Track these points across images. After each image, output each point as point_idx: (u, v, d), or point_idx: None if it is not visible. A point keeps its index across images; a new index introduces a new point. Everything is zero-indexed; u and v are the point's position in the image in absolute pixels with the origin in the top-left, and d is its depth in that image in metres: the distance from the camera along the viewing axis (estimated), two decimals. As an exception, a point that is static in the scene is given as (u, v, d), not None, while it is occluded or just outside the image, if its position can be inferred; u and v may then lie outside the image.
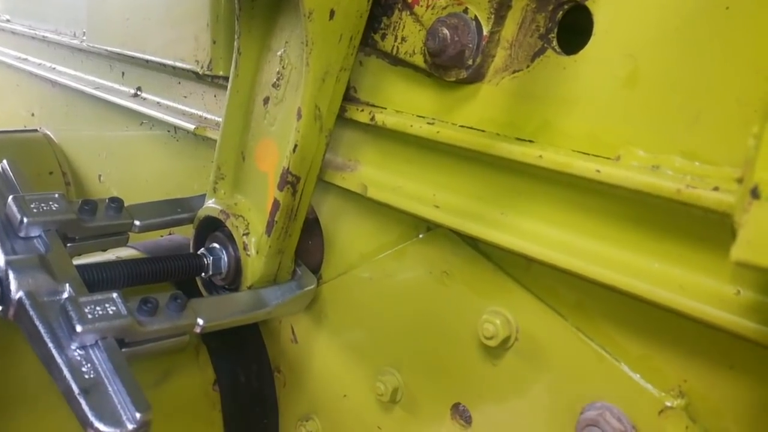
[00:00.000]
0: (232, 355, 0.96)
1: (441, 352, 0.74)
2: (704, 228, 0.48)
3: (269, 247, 0.80)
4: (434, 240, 0.73)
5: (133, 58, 1.10)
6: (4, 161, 0.80)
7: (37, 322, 0.61)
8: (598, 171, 0.52)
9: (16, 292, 0.63)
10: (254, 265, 0.81)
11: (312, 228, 0.88)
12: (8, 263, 0.65)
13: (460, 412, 0.74)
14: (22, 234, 0.71)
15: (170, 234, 1.14)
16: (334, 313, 0.89)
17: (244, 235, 0.82)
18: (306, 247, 0.88)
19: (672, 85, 0.50)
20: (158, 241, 1.08)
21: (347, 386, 0.88)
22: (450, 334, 0.73)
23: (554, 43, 0.58)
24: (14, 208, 0.71)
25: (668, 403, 0.53)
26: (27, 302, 0.62)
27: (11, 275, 0.64)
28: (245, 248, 0.81)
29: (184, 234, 1.09)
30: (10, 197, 0.72)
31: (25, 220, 0.70)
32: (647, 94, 0.51)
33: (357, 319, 0.86)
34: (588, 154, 0.54)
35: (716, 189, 0.46)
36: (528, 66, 0.60)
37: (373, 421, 0.84)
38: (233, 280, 0.83)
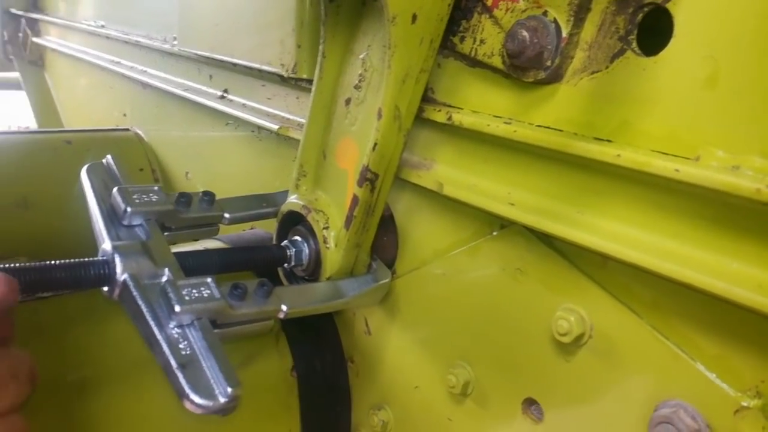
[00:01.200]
0: (309, 343, 1.01)
1: (513, 347, 0.76)
2: (785, 228, 0.48)
3: (347, 241, 0.84)
4: (508, 237, 0.74)
5: (221, 61, 1.17)
6: (108, 156, 0.87)
7: (140, 302, 0.67)
8: (677, 170, 0.53)
9: (121, 275, 0.69)
10: (333, 258, 0.85)
11: (387, 224, 0.91)
12: (115, 248, 0.71)
13: (532, 408, 0.76)
14: (125, 222, 0.77)
15: (252, 228, 1.20)
16: (407, 307, 0.92)
17: (324, 228, 0.86)
18: (381, 242, 0.91)
19: (752, 86, 0.50)
20: (241, 234, 1.14)
21: (419, 378, 0.91)
22: (522, 330, 0.74)
23: (634, 44, 0.59)
24: (119, 199, 0.77)
25: (744, 403, 0.53)
26: (131, 284, 0.68)
27: (117, 259, 0.70)
28: (325, 241, 0.86)
29: (265, 228, 1.15)
30: (115, 189, 0.79)
31: (128, 209, 0.76)
32: (727, 95, 0.52)
33: (429, 313, 0.88)
34: (667, 154, 0.55)
35: (799, 189, 0.46)
36: (607, 67, 0.61)
37: (444, 413, 0.87)
38: (313, 271, 0.88)
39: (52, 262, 0.68)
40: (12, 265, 0.67)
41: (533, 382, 0.74)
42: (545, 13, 0.64)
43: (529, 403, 0.76)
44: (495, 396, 0.79)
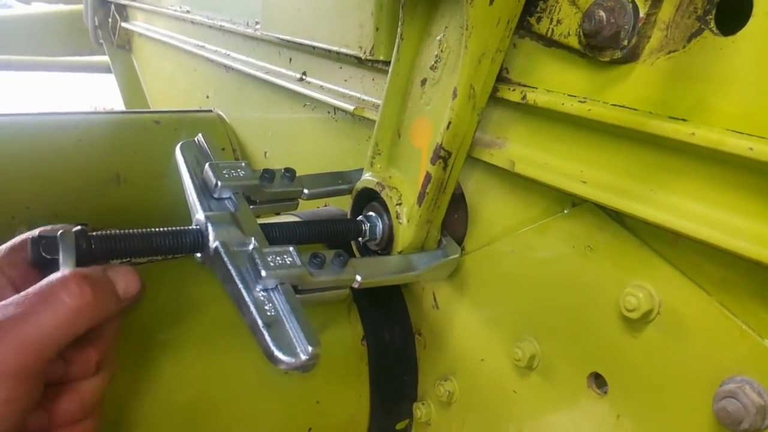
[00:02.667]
0: (379, 315, 1.06)
1: (580, 322, 0.78)
2: None
3: (419, 217, 0.87)
4: (579, 215, 0.76)
5: (301, 45, 1.22)
6: (199, 134, 0.94)
7: (230, 267, 0.73)
8: (751, 149, 0.53)
9: (213, 242, 0.75)
10: (405, 233, 0.89)
11: (458, 202, 0.94)
12: (207, 218, 0.77)
13: (597, 382, 0.77)
14: (215, 195, 0.83)
15: (326, 205, 1.25)
16: (475, 283, 0.94)
17: (397, 205, 0.89)
18: (451, 220, 0.94)
19: (835, 64, 0.50)
20: (316, 211, 1.19)
21: (485, 351, 0.94)
22: (590, 307, 0.76)
23: (712, 24, 0.59)
24: (210, 173, 0.84)
25: (813, 380, 0.54)
26: (222, 250, 0.74)
27: (209, 228, 0.76)
28: (398, 217, 0.89)
29: (338, 206, 1.20)
30: (207, 164, 0.85)
31: (219, 183, 0.82)
32: (807, 74, 0.52)
33: (497, 289, 0.91)
34: (742, 133, 0.56)
35: None
36: (684, 47, 0.61)
37: (509, 386, 0.90)
38: (386, 245, 0.92)
39: (154, 229, 0.75)
40: (119, 231, 0.74)
41: (599, 357, 0.76)
42: (622, -6, 0.64)
43: (595, 378, 0.77)
44: (560, 370, 0.82)
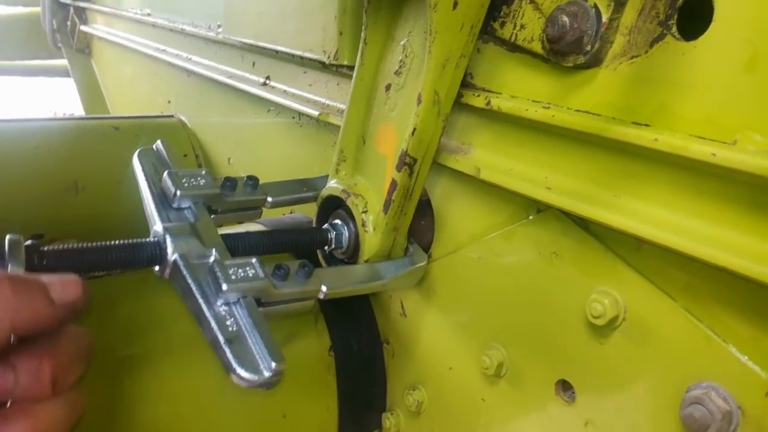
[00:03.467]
0: (346, 324, 1.04)
1: (547, 329, 0.77)
2: (824, 212, 0.49)
3: (385, 224, 0.86)
4: (544, 221, 0.75)
5: (264, 48, 1.19)
6: (158, 141, 0.91)
7: (190, 281, 0.70)
8: (714, 154, 0.53)
9: (172, 254, 0.72)
10: (371, 241, 0.87)
11: (424, 209, 0.93)
12: (166, 229, 0.75)
13: (565, 389, 0.77)
14: (175, 205, 0.80)
15: (291, 212, 1.23)
16: (442, 290, 0.93)
17: (362, 212, 0.88)
18: (418, 226, 0.93)
19: (794, 70, 0.50)
20: (281, 218, 1.17)
21: (453, 359, 0.93)
22: (557, 313, 0.75)
23: (674, 29, 0.59)
24: (169, 182, 0.81)
25: (778, 385, 0.54)
26: (181, 263, 0.71)
27: (168, 240, 0.74)
28: (363, 225, 0.88)
29: (304, 213, 1.18)
30: (165, 173, 0.82)
31: (178, 192, 0.80)
32: (766, 79, 0.52)
33: (464, 296, 0.90)
34: (704, 138, 0.56)
35: (838, 173, 0.46)
36: (647, 51, 0.61)
37: (478, 394, 0.89)
38: (352, 254, 0.90)
39: (109, 242, 0.72)
40: (73, 245, 0.71)
41: (566, 365, 0.75)
42: (585, -1, 0.64)
43: (562, 385, 0.77)
44: (528, 377, 0.81)
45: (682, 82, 0.58)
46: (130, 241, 0.73)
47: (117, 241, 0.72)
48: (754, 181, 0.51)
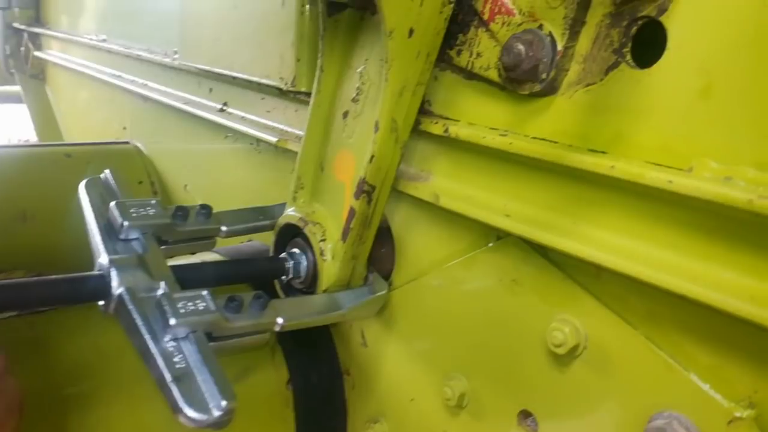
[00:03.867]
0: (304, 356, 1.01)
1: (508, 359, 0.76)
2: (778, 239, 0.48)
3: (344, 253, 0.84)
4: (504, 249, 0.74)
5: (221, 75, 1.17)
6: (106, 171, 0.88)
7: (135, 316, 0.67)
8: (671, 182, 0.53)
9: (117, 288, 0.69)
10: (329, 270, 0.85)
11: (384, 236, 0.91)
12: (111, 262, 0.71)
13: (527, 419, 0.75)
14: (122, 236, 0.77)
15: (250, 240, 1.20)
16: (403, 319, 0.91)
17: (320, 241, 0.86)
18: (378, 254, 0.91)
19: (745, 98, 0.50)
20: (239, 247, 1.14)
21: (415, 390, 0.90)
22: (518, 342, 0.74)
23: (628, 57, 0.59)
24: (116, 213, 0.78)
25: (738, 414, 0.53)
26: (126, 297, 0.68)
27: (113, 273, 0.70)
28: (321, 254, 0.86)
29: (263, 241, 1.15)
30: (112, 203, 0.79)
31: (125, 223, 0.77)
32: (720, 107, 0.52)
33: (426, 324, 0.88)
34: (660, 165, 0.55)
35: (791, 200, 0.46)
36: (601, 79, 0.61)
37: (440, 426, 0.86)
38: (311, 284, 0.88)
39: (50, 277, 0.68)
40: (11, 281, 0.67)
41: (528, 394, 0.74)
42: (541, 27, 0.64)
43: (525, 415, 0.75)
44: (490, 408, 0.79)
45: (637, 110, 0.58)
46: (72, 274, 0.69)
47: (58, 276, 0.69)
48: (711, 208, 0.51)
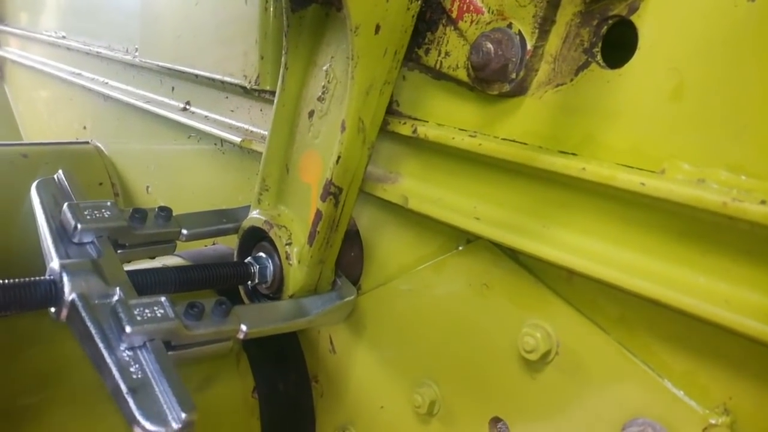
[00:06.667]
0: (271, 363, 0.98)
1: (479, 365, 0.74)
2: (750, 242, 0.48)
3: (311, 257, 0.81)
4: (474, 252, 0.73)
5: (183, 73, 1.14)
6: (60, 171, 0.84)
7: (89, 323, 0.63)
8: (643, 184, 0.52)
9: (69, 294, 0.66)
10: (296, 275, 0.83)
11: (352, 240, 0.89)
12: (63, 267, 0.68)
13: (499, 427, 0.74)
14: (75, 240, 0.74)
15: (214, 244, 1.17)
16: (372, 324, 0.89)
17: (286, 245, 0.83)
18: (346, 259, 0.89)
19: (717, 99, 0.50)
20: (202, 250, 1.11)
21: (384, 397, 0.88)
22: (489, 347, 0.73)
23: (598, 57, 0.58)
24: (69, 215, 0.74)
25: (713, 421, 0.52)
26: (79, 304, 0.65)
27: (65, 278, 0.67)
28: (287, 258, 0.83)
29: (228, 244, 1.12)
30: (65, 204, 0.75)
31: (78, 226, 0.73)
32: (692, 108, 0.51)
33: (395, 330, 0.86)
34: (632, 167, 0.54)
35: (763, 203, 0.45)
36: (572, 80, 0.60)
37: (410, 434, 0.84)
38: (277, 289, 0.85)
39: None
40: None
41: (500, 401, 0.72)
42: (510, 26, 0.63)
43: (496, 422, 0.74)
44: (461, 415, 0.77)
45: (608, 111, 0.57)
46: (22, 280, 0.65)
47: (7, 281, 0.65)
48: (684, 211, 0.50)
